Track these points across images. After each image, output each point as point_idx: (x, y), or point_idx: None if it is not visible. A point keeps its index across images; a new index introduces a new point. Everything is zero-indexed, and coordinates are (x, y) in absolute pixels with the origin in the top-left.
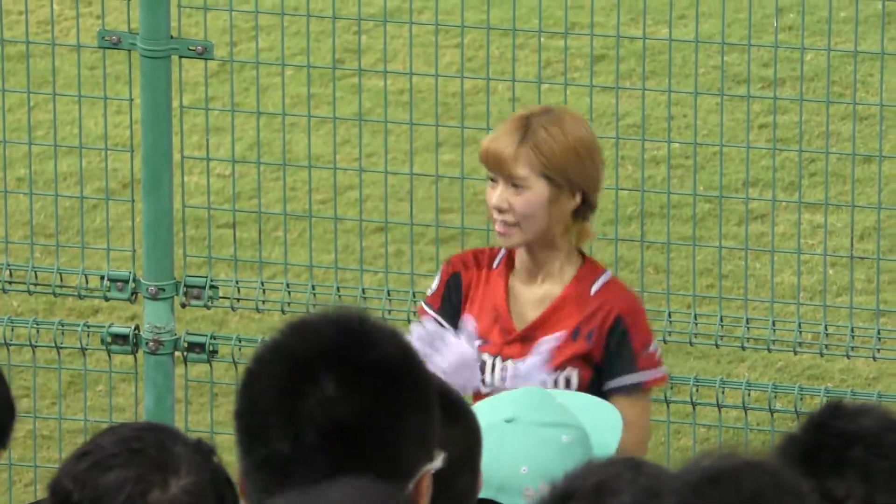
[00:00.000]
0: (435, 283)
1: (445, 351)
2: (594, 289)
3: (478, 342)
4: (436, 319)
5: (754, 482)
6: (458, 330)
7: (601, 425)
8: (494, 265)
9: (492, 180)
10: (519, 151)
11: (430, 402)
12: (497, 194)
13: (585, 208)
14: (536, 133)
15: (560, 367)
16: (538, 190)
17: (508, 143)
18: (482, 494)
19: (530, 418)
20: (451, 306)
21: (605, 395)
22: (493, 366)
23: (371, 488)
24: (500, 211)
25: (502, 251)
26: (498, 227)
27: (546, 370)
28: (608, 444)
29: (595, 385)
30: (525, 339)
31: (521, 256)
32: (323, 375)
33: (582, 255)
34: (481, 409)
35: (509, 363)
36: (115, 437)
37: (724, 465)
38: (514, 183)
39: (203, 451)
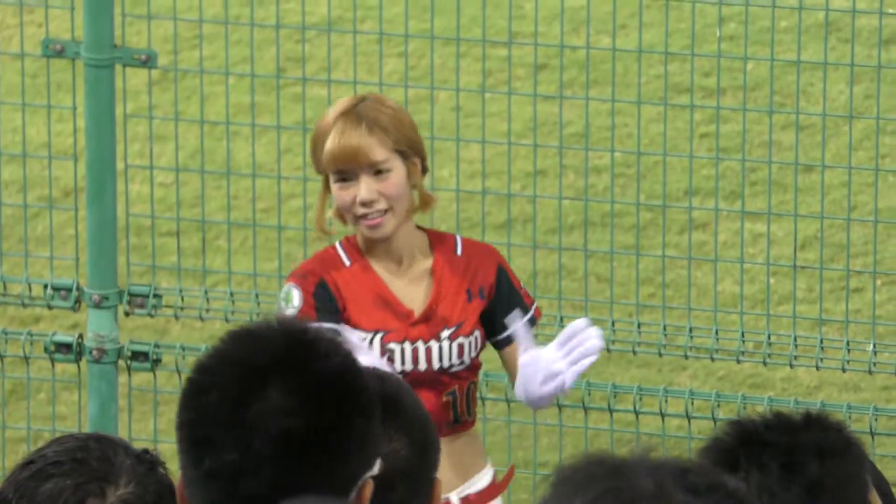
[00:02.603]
0: (297, 301)
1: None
2: (458, 250)
3: (378, 335)
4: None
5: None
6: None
7: None
8: (348, 264)
9: (342, 181)
10: (371, 138)
11: (374, 411)
12: (363, 188)
13: (422, 173)
14: (371, 116)
15: (471, 332)
16: (398, 168)
17: (357, 134)
18: None
19: None
20: (329, 312)
21: (507, 339)
22: (403, 351)
23: None
24: (370, 203)
25: (340, 250)
26: (369, 221)
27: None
28: None
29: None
30: (428, 318)
31: (372, 247)
32: (271, 385)
33: (421, 229)
34: None
35: (420, 344)
36: (60, 446)
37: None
38: (377, 170)
39: (146, 462)
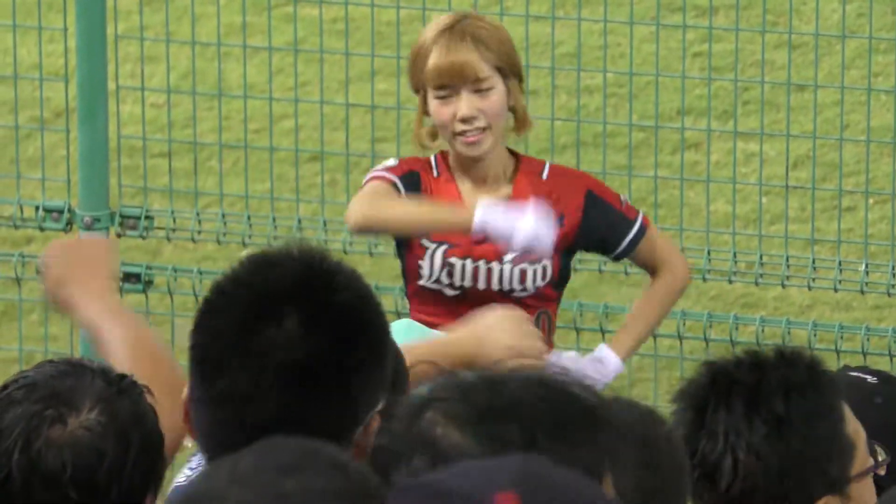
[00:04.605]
0: (393, 162)
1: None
2: (545, 174)
3: (443, 246)
4: (397, 184)
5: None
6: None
7: None
8: (435, 174)
9: (442, 97)
10: (478, 55)
11: (386, 347)
12: (465, 104)
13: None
14: (475, 33)
15: (537, 260)
16: (499, 86)
17: (463, 50)
18: None
19: None
20: (412, 189)
21: (624, 252)
22: (464, 267)
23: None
24: (470, 120)
25: (433, 160)
26: (467, 138)
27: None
28: None
29: (566, 266)
30: None
31: (461, 165)
32: (286, 313)
33: (513, 153)
34: None
35: (482, 263)
36: (36, 371)
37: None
38: (479, 88)
39: (120, 387)
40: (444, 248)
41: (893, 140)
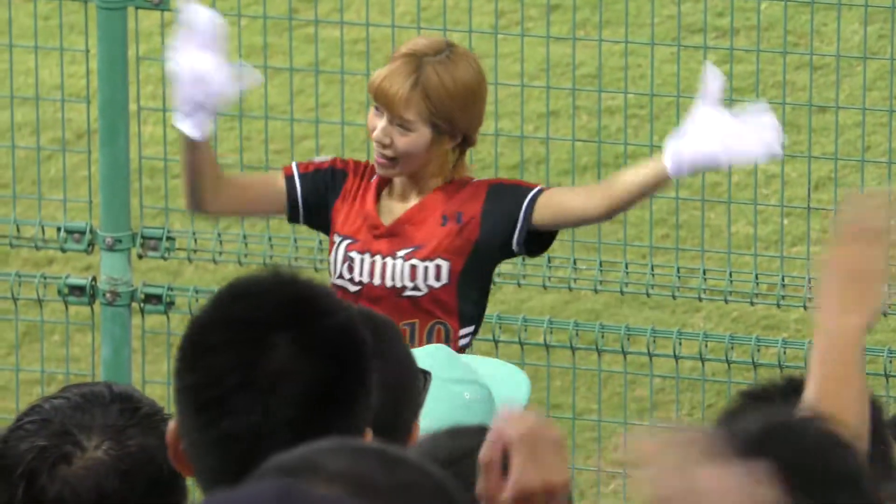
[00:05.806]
0: (321, 160)
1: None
2: (462, 185)
3: (346, 241)
4: (294, 177)
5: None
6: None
7: (506, 382)
8: (373, 178)
9: (376, 109)
10: (410, 96)
11: (372, 365)
12: (380, 129)
13: (465, 145)
14: (428, 78)
15: (430, 256)
16: (422, 133)
17: (400, 85)
18: None
19: (438, 374)
20: (321, 186)
21: (511, 249)
22: (362, 261)
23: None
24: (382, 145)
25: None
26: (377, 157)
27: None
28: (516, 398)
29: (469, 276)
30: (392, 234)
31: (397, 178)
32: (279, 341)
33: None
34: None
35: (378, 258)
36: (49, 404)
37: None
38: (400, 123)
39: (137, 418)
40: (346, 242)
41: None
